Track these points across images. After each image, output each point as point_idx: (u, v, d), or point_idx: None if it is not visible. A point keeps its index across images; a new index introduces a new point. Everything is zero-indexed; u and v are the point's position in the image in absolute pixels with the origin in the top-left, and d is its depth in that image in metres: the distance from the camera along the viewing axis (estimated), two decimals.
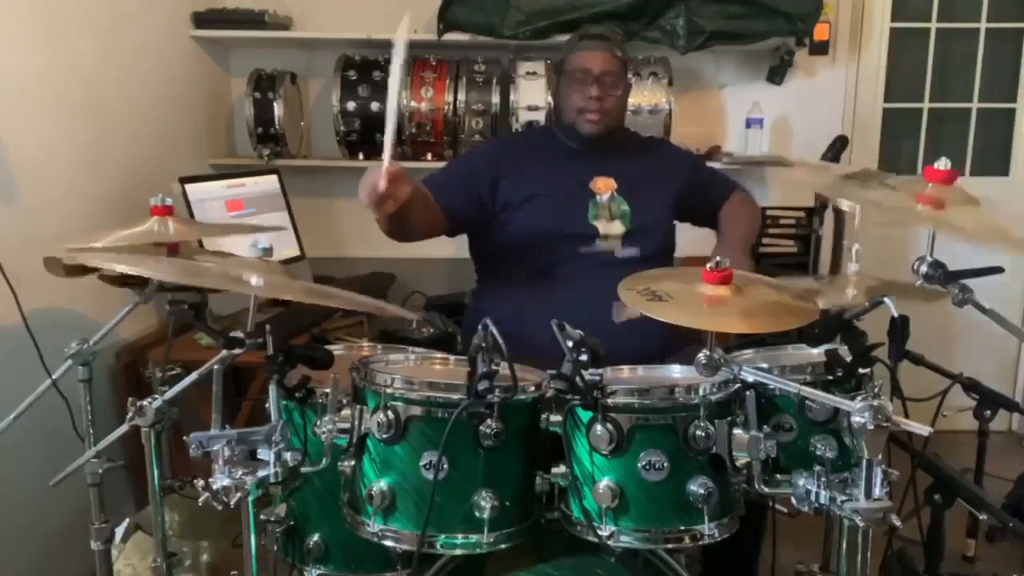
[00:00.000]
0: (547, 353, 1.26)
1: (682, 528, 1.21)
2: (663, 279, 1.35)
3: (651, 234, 1.97)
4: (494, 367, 1.14)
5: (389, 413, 1.21)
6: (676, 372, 1.43)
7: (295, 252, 2.78)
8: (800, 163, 2.88)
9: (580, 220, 1.93)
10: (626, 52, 2.04)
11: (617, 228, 1.94)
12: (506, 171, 2.00)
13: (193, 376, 1.29)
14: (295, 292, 1.27)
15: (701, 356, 1.19)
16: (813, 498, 1.17)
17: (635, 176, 1.99)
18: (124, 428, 1.31)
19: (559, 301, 1.76)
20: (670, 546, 1.26)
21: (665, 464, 1.20)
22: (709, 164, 3.03)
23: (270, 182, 2.79)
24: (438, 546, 1.21)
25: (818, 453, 1.28)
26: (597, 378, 1.19)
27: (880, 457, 1.07)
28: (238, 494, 1.15)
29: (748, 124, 3.09)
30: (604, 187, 1.96)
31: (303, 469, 1.26)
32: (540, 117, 2.83)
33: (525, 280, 1.95)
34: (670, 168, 2.12)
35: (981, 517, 1.51)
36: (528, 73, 2.86)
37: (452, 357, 1.45)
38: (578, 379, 1.18)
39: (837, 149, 2.89)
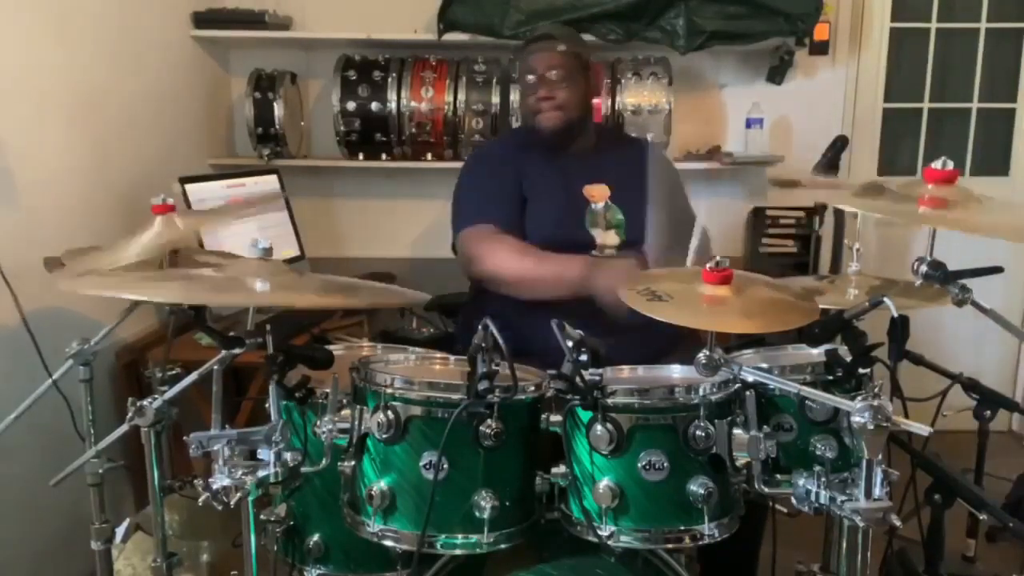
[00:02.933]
0: (545, 351, 1.26)
1: (682, 528, 1.21)
2: (663, 279, 1.35)
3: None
4: (494, 367, 1.14)
5: (389, 413, 1.21)
6: (676, 372, 1.43)
7: (295, 252, 2.79)
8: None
9: (579, 228, 1.92)
10: (579, 44, 2.02)
11: (612, 239, 1.92)
12: (515, 167, 1.98)
13: (193, 376, 1.29)
14: (305, 295, 1.26)
15: (701, 356, 1.19)
16: (813, 498, 1.16)
17: (629, 182, 1.95)
18: (124, 428, 1.30)
19: (559, 302, 1.76)
20: (670, 546, 1.26)
21: (665, 464, 1.20)
22: (715, 161, 3.05)
23: (270, 182, 2.79)
24: (438, 546, 1.21)
25: (818, 453, 1.28)
26: (597, 378, 1.19)
27: (880, 457, 1.07)
28: (238, 494, 1.15)
29: (748, 124, 3.09)
30: (599, 195, 1.94)
31: (303, 469, 1.26)
32: None
33: None
34: (661, 177, 2.01)
35: (981, 517, 1.51)
36: None
37: (452, 357, 1.45)
38: (578, 379, 1.18)
39: (837, 149, 2.88)
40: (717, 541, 1.22)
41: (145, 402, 1.27)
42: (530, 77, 1.96)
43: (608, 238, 1.92)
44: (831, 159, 2.77)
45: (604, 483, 1.20)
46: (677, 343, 1.82)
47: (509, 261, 1.81)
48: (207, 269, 1.32)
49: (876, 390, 1.09)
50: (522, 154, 2.05)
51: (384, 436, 1.22)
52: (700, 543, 1.22)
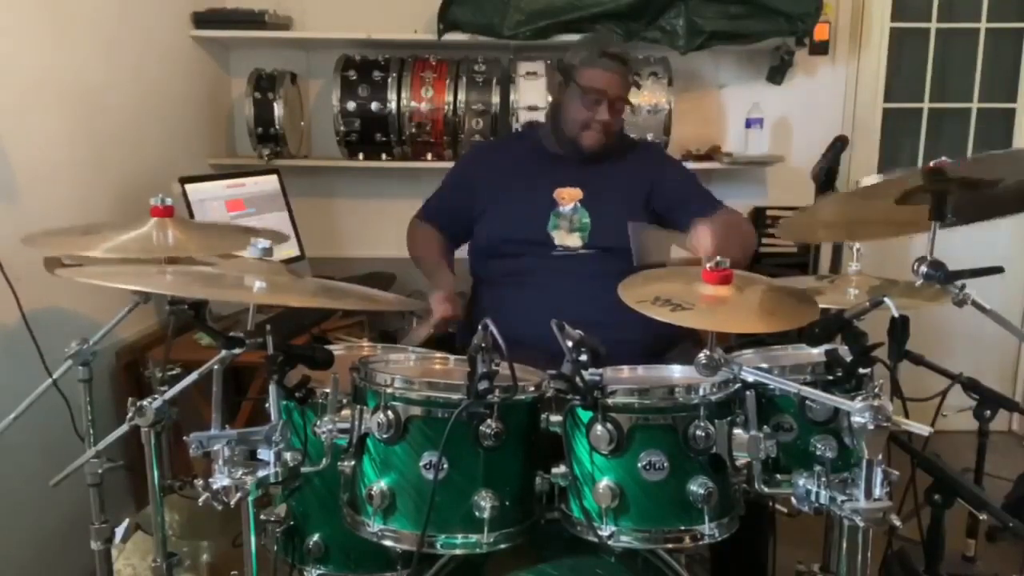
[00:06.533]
0: (545, 351, 1.26)
1: (682, 528, 1.21)
2: (663, 279, 1.35)
3: (611, 243, 1.90)
4: (494, 367, 1.14)
5: (389, 413, 1.21)
6: (676, 372, 1.43)
7: (295, 252, 2.78)
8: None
9: (539, 230, 1.95)
10: (633, 67, 2.04)
11: (574, 240, 1.95)
12: (480, 176, 2.07)
13: (193, 376, 1.29)
14: (301, 295, 1.27)
15: (701, 356, 1.19)
16: (813, 498, 1.17)
17: (603, 184, 1.98)
18: (124, 428, 1.30)
19: (527, 298, 1.85)
20: (670, 546, 1.26)
21: (665, 464, 1.20)
22: (715, 161, 3.05)
23: (270, 182, 2.79)
24: (438, 546, 1.21)
25: (818, 453, 1.28)
26: (597, 378, 1.19)
27: (880, 457, 1.07)
28: (238, 494, 1.15)
29: (748, 124, 3.09)
30: (568, 198, 1.97)
31: (303, 469, 1.26)
32: (540, 117, 2.82)
33: (497, 279, 2.00)
34: (644, 172, 2.07)
35: (981, 517, 1.51)
36: (528, 73, 2.86)
37: (452, 357, 1.45)
38: (578, 379, 1.18)
39: (837, 149, 2.88)
40: (727, 547, 1.22)
41: (145, 402, 1.27)
42: (595, 93, 1.92)
43: (570, 240, 1.95)
44: (831, 159, 2.77)
45: (604, 483, 1.20)
46: (676, 342, 1.83)
47: (412, 251, 2.16)
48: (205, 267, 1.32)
49: (876, 390, 1.09)
50: (505, 158, 2.11)
51: (384, 436, 1.22)
52: (700, 543, 1.22)
